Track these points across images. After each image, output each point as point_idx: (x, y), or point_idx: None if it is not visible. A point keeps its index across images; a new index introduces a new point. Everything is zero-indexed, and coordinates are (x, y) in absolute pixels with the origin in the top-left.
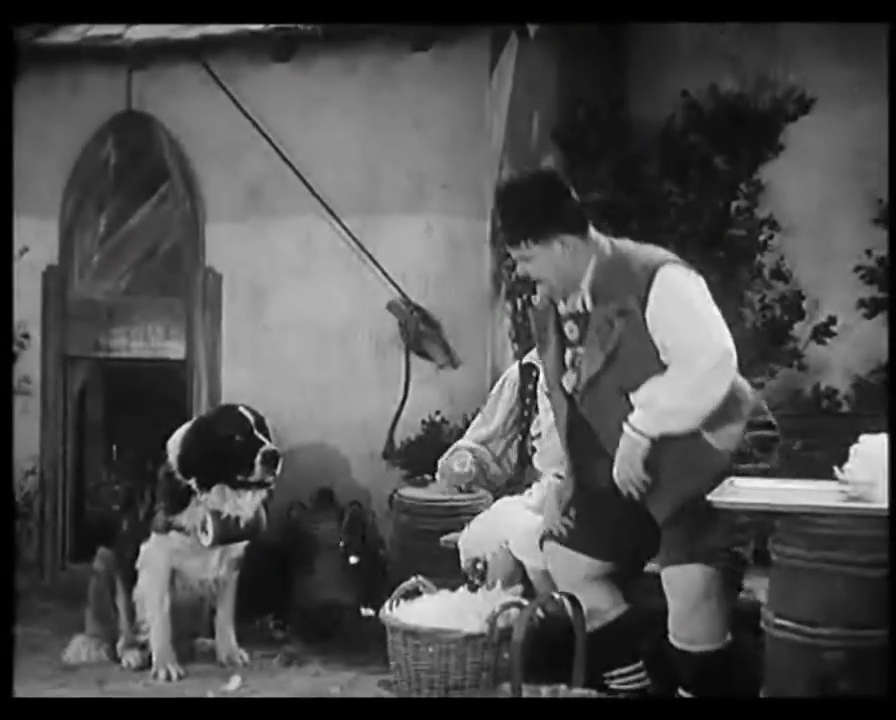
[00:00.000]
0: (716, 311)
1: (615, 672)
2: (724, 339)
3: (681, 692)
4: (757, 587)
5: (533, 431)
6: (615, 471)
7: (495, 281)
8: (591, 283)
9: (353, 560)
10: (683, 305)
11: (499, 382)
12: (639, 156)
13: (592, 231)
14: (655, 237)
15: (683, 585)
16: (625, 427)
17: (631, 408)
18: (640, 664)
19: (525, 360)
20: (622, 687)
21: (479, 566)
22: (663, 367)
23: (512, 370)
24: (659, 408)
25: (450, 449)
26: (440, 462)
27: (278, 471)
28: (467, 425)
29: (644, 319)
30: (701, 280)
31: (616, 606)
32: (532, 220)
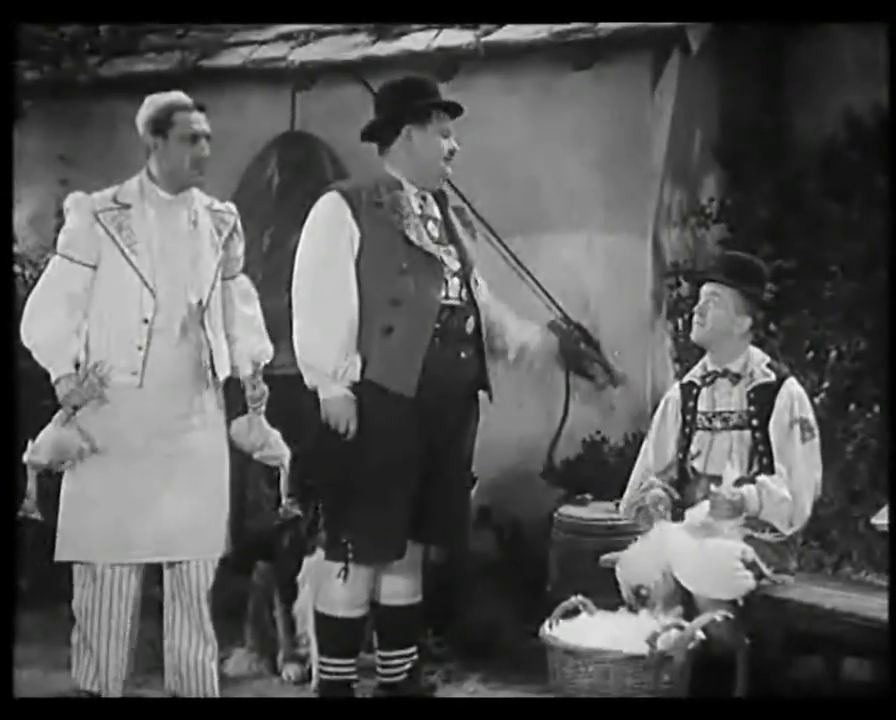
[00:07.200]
0: None
1: (395, 653)
2: None
3: None
4: None
5: (693, 450)
6: None
7: (656, 299)
8: None
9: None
10: None
11: (661, 406)
12: (801, 174)
13: None
14: (817, 256)
15: None
16: None
17: None
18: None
19: (686, 379)
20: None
21: (643, 592)
22: None
23: (674, 389)
24: None
25: (644, 486)
26: (637, 498)
27: None
28: (627, 445)
29: None
30: None
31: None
32: None
